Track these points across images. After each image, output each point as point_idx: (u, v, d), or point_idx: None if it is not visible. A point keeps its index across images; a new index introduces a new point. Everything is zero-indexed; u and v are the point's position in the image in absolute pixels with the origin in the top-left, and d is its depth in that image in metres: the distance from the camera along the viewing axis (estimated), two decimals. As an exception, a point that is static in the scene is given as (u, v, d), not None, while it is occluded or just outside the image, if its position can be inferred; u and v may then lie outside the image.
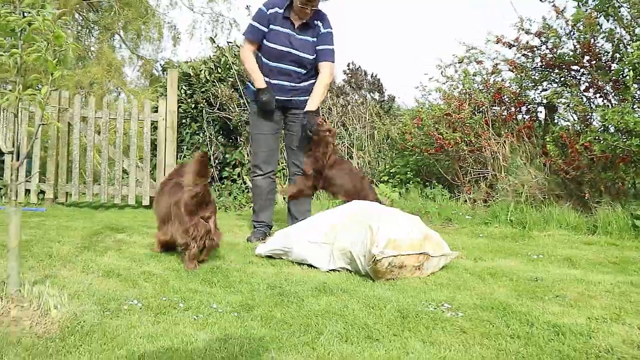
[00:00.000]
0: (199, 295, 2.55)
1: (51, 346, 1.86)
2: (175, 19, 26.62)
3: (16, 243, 2.19)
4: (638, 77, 4.66)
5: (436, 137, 6.11)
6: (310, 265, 3.21)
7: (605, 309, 2.46)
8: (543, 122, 6.16)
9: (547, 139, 5.45)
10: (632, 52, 4.60)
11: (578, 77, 5.61)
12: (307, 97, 4.06)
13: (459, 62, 6.50)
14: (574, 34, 5.40)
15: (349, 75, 8.40)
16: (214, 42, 7.74)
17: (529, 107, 6.19)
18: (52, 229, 4.27)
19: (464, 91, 6.40)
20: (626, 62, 4.70)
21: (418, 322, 2.23)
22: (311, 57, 3.99)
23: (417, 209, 5.60)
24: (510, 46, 5.99)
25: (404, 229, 3.01)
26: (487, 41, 6.14)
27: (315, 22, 3.95)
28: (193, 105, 7.17)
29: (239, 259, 3.40)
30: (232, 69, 6.94)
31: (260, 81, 3.95)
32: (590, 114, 5.35)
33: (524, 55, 5.97)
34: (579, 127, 5.43)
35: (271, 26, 3.91)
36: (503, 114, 6.17)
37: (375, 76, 8.68)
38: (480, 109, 6.18)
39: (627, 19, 5.05)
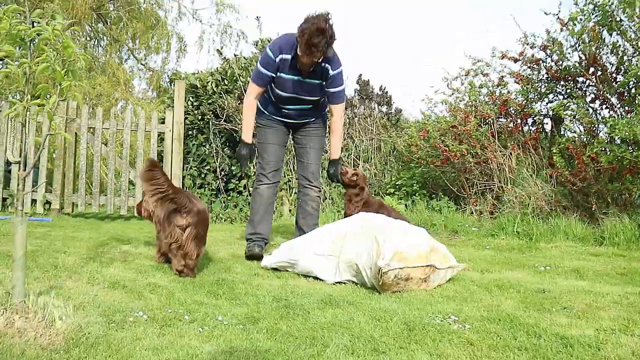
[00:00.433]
0: (205, 307, 2.54)
1: (55, 358, 1.85)
2: (183, 31, 26.92)
3: (22, 253, 2.18)
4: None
5: (442, 149, 6.11)
6: (316, 278, 3.20)
7: (613, 320, 2.44)
8: (549, 134, 6.15)
9: (554, 151, 5.44)
10: (636, 65, 4.60)
11: (584, 89, 5.61)
12: (317, 118, 4.09)
13: (465, 75, 6.52)
14: (579, 45, 5.41)
15: (359, 90, 8.60)
16: (221, 54, 7.86)
17: (535, 118, 6.19)
18: (58, 240, 4.28)
19: (470, 103, 6.41)
20: (631, 75, 4.69)
21: (425, 335, 2.21)
22: (320, 98, 3.97)
23: (423, 221, 5.59)
24: (515, 60, 6.02)
25: (411, 241, 3.00)
26: (493, 56, 6.18)
27: (323, 65, 3.76)
28: (200, 117, 7.19)
29: (244, 271, 3.39)
30: (238, 80, 6.97)
31: (247, 137, 3.91)
32: (596, 125, 5.34)
33: (529, 67, 5.98)
34: (585, 139, 5.42)
35: (279, 73, 3.81)
36: (509, 125, 6.18)
37: (384, 89, 8.80)
38: (487, 121, 6.19)
39: (631, 34, 5.05)
